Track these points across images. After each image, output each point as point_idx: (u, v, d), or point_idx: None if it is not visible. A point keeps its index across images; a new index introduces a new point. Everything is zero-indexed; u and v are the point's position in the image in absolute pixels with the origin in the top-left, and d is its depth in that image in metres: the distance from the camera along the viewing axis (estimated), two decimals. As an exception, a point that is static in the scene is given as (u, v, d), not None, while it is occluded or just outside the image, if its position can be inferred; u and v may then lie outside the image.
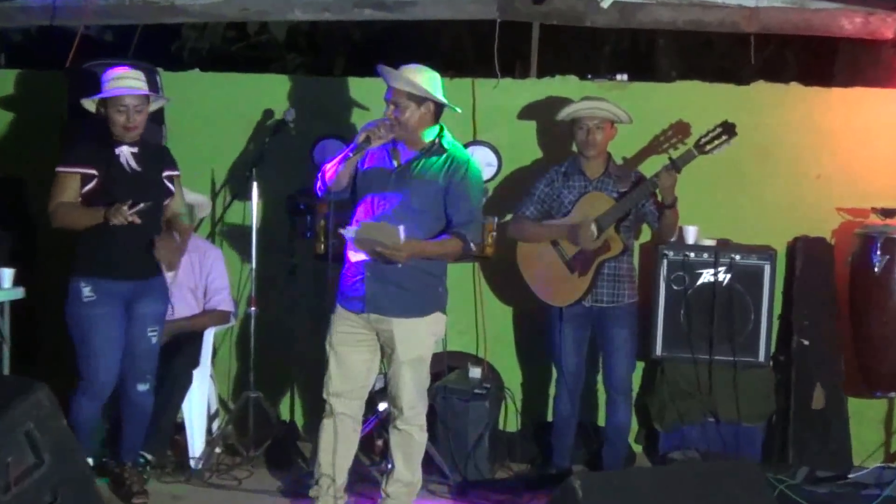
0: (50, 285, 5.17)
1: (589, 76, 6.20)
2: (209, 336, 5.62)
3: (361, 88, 6.08)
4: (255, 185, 5.63)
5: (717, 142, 5.25)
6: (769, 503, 4.14)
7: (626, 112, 5.40)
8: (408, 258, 4.43)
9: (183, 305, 5.58)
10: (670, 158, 5.29)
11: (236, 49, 10.00)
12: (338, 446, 4.68)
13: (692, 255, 5.61)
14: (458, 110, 4.80)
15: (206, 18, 7.23)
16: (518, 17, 6.19)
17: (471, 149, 5.43)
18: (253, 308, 5.68)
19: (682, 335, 5.60)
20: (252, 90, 6.28)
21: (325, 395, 4.67)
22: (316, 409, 4.90)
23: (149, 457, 5.22)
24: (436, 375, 5.30)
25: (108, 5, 6.21)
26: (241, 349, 6.12)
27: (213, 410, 5.77)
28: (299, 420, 6.04)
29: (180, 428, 5.54)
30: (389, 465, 4.73)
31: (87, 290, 4.76)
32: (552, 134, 5.96)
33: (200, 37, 9.52)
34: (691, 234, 5.71)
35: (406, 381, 4.58)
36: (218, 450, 5.54)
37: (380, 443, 5.35)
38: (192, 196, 5.65)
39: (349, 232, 4.48)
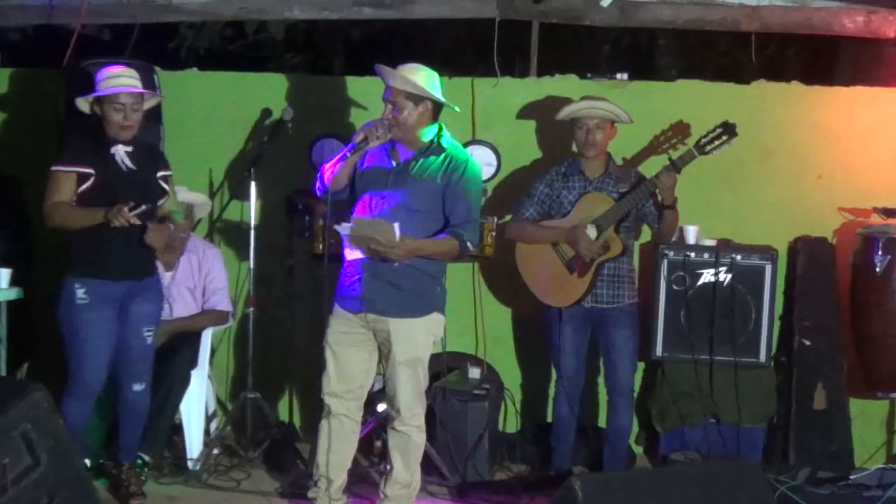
0: (47, 286, 5.14)
1: (589, 75, 6.19)
2: (207, 336, 5.60)
3: (360, 87, 6.07)
4: (253, 184, 5.61)
5: (717, 142, 5.24)
6: (770, 505, 4.12)
7: (626, 111, 5.38)
8: (404, 256, 4.41)
9: (181, 305, 5.56)
10: (670, 159, 5.28)
11: (234, 48, 9.97)
12: (336, 447, 4.68)
13: (693, 255, 5.60)
14: (457, 109, 4.79)
15: (204, 17, 7.20)
16: (518, 16, 6.17)
17: (470, 148, 5.42)
18: (251, 308, 5.66)
19: (682, 336, 5.59)
20: (250, 89, 6.26)
21: (322, 396, 4.66)
22: (314, 409, 4.89)
23: (146, 458, 5.21)
24: (435, 376, 5.30)
25: (106, 4, 6.18)
26: (239, 349, 6.10)
27: (210, 411, 5.76)
28: (298, 421, 6.03)
29: (178, 429, 5.52)
30: (388, 467, 4.71)
31: (80, 292, 4.74)
32: (552, 133, 5.94)
33: (198, 35, 9.49)
34: (692, 234, 5.69)
35: (403, 382, 4.56)
36: (216, 451, 5.53)
37: (378, 444, 5.33)
38: (192, 196, 5.64)
39: (344, 228, 4.46)
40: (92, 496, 4.31)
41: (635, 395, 5.62)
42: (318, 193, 4.66)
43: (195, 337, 5.53)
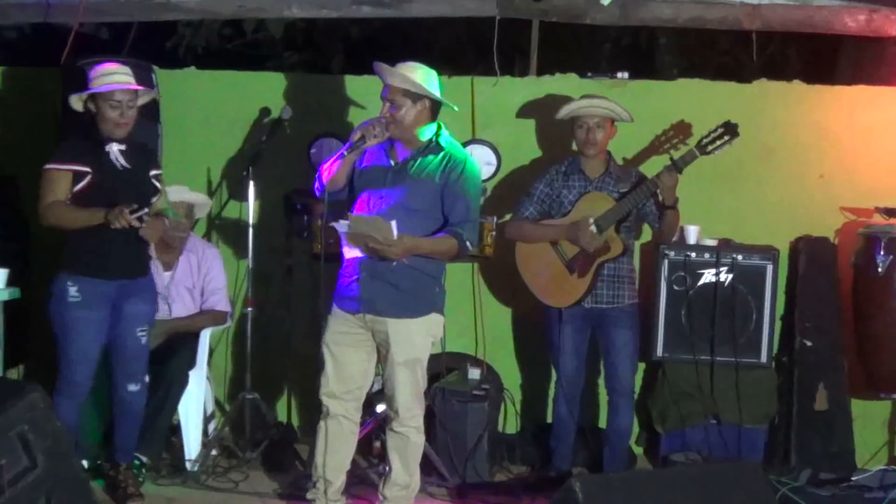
0: (44, 286, 5.11)
1: (589, 74, 6.18)
2: (205, 337, 5.58)
3: (359, 86, 6.05)
4: (251, 183, 5.59)
5: (718, 142, 5.22)
6: (772, 506, 4.11)
7: (626, 110, 5.36)
8: (402, 254, 4.39)
9: (180, 305, 5.56)
10: (671, 159, 5.25)
11: (233, 46, 9.95)
12: (334, 448, 4.66)
13: (693, 255, 5.58)
14: (455, 108, 4.77)
15: (203, 15, 7.20)
16: (518, 15, 6.15)
17: (470, 147, 5.40)
18: (249, 308, 5.64)
19: (683, 336, 5.57)
20: (249, 88, 6.25)
21: (320, 397, 4.64)
22: (313, 410, 4.87)
23: (144, 459, 5.20)
24: (434, 377, 5.28)
25: (104, 2, 6.16)
26: (237, 350, 6.08)
27: (209, 412, 5.74)
28: (296, 422, 6.03)
29: (176, 430, 5.51)
30: (387, 468, 4.69)
31: (73, 290, 4.72)
32: (552, 133, 5.92)
33: (196, 34, 9.47)
34: (693, 234, 5.67)
35: (402, 383, 4.54)
36: (214, 452, 5.51)
37: (377, 445, 5.32)
38: (192, 195, 5.64)
39: (342, 226, 4.44)
40: (89, 497, 4.32)
41: (636, 395, 5.61)
42: (317, 193, 4.64)
43: (193, 337, 5.51)
